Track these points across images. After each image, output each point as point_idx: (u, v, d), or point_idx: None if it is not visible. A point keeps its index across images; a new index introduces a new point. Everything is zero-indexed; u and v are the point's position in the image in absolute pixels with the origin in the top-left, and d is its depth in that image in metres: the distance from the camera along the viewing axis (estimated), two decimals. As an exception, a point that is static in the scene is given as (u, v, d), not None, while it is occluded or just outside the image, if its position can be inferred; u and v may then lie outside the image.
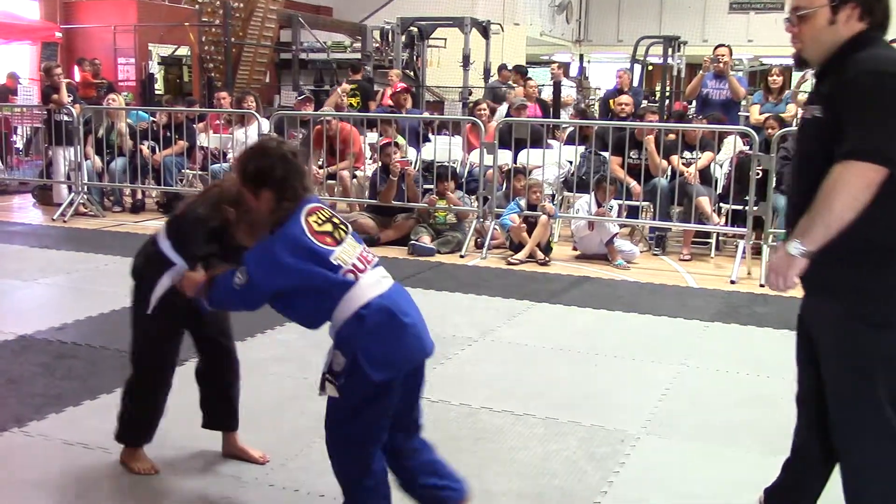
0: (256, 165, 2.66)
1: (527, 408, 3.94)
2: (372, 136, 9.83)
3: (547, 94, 13.42)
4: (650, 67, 18.05)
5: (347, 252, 2.59)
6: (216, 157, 9.68)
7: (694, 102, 10.88)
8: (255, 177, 2.65)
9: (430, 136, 10.31)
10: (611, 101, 10.83)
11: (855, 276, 2.38)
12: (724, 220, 7.89)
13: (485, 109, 9.77)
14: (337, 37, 18.74)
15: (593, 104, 16.94)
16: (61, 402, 3.85)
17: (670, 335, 5.27)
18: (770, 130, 7.74)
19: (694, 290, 6.62)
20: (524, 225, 7.62)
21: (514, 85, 12.64)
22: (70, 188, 9.63)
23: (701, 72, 9.65)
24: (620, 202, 7.92)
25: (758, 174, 7.16)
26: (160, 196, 9.94)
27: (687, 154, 7.99)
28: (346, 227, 2.67)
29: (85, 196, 9.48)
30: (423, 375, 2.73)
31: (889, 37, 2.49)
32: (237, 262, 2.63)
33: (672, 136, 8.18)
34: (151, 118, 10.18)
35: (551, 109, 12.13)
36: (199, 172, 9.71)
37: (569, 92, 14.16)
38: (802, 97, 10.19)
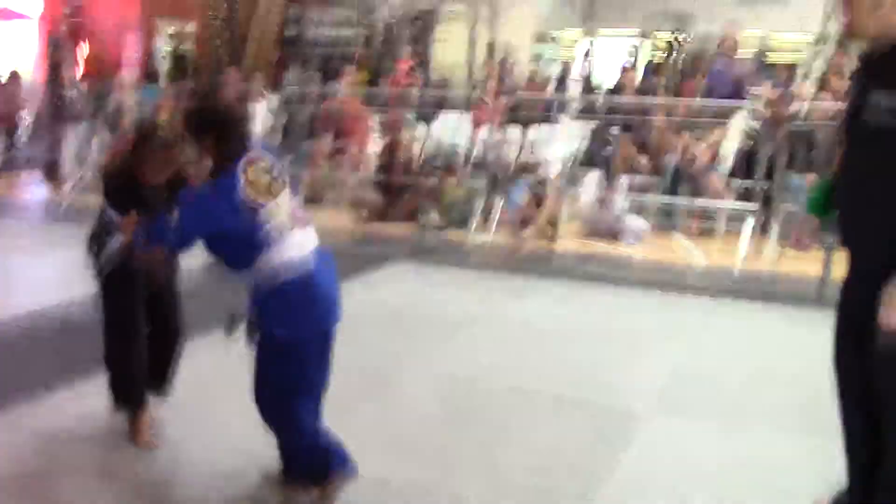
0: (198, 115, 2.74)
1: (535, 385, 3.94)
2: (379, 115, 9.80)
3: (555, 71, 13.32)
4: (659, 46, 17.92)
5: (279, 207, 2.65)
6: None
7: (704, 80, 10.80)
8: (197, 126, 2.71)
9: (438, 113, 10.26)
10: (621, 79, 10.75)
11: None
12: (733, 197, 7.86)
13: (493, 87, 9.70)
14: (345, 13, 18.61)
15: (601, 82, 16.81)
16: (72, 376, 3.87)
17: (679, 313, 5.27)
18: (781, 109, 7.68)
19: (702, 268, 6.61)
20: (532, 202, 7.60)
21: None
22: (78, 164, 9.63)
23: (711, 52, 9.55)
24: (629, 179, 7.88)
25: (768, 152, 7.12)
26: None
27: (697, 131, 7.94)
28: (284, 181, 2.72)
29: (92, 172, 9.47)
30: (332, 342, 2.82)
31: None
32: (169, 205, 2.75)
33: (682, 113, 8.13)
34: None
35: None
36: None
37: (578, 69, 14.06)
38: (814, 75, 10.13)
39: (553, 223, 7.57)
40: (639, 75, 9.79)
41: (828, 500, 2.74)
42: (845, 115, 2.49)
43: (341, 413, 3.57)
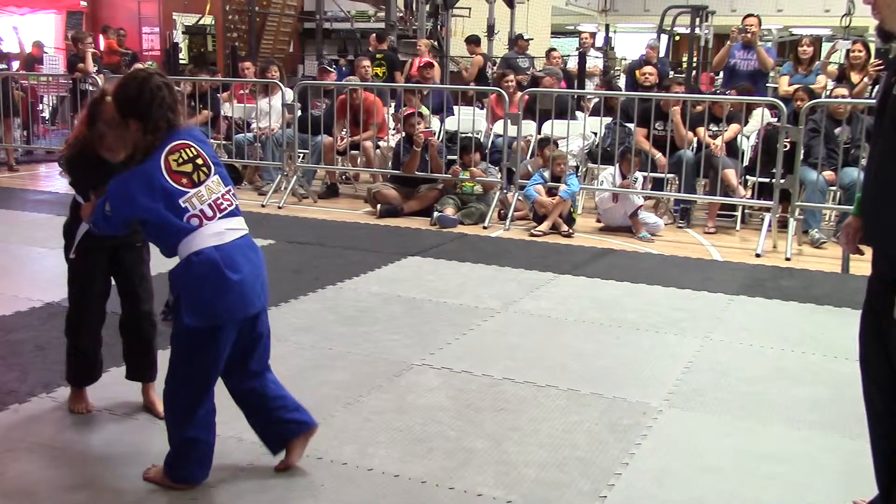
0: (126, 94, 2.74)
1: (549, 379, 3.94)
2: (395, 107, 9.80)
3: (572, 65, 13.28)
4: (677, 38, 17.83)
5: (201, 195, 2.67)
6: (240, 126, 9.68)
7: (721, 73, 10.74)
8: (124, 105, 2.73)
9: (455, 107, 10.26)
10: (636, 72, 10.72)
11: None
12: (750, 192, 7.82)
13: (511, 81, 9.69)
14: (361, 6, 18.63)
15: (618, 74, 16.76)
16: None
17: (694, 308, 5.24)
18: (799, 102, 7.63)
19: (719, 264, 6.58)
20: (548, 197, 7.59)
21: (530, 56, 12.41)
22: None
23: (729, 42, 9.48)
24: (645, 174, 7.86)
25: (785, 146, 7.09)
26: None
27: (713, 126, 7.90)
28: (209, 169, 2.73)
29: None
30: (258, 331, 2.84)
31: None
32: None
33: (699, 108, 8.09)
34: (176, 88, 10.17)
35: (576, 80, 12.01)
36: (224, 142, 9.71)
37: (595, 63, 14.02)
38: (833, 68, 10.05)
39: (568, 218, 7.56)
40: (655, 67, 9.69)
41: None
42: (875, 111, 2.48)
43: (353, 405, 3.59)
